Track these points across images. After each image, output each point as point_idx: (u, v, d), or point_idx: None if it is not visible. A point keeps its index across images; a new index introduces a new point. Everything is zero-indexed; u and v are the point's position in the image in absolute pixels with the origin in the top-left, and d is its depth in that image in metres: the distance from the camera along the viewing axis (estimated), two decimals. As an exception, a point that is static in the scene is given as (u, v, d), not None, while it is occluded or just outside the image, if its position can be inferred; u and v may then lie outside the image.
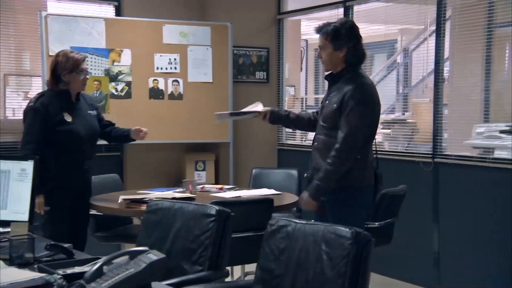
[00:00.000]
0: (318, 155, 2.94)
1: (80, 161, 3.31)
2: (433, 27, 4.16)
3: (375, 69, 5.23)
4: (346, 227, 1.88)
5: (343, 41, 2.85)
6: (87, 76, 3.32)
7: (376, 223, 3.22)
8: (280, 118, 3.22)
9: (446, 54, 4.14)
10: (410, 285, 4.29)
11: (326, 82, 3.05)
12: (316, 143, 2.96)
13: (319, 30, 2.93)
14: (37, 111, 3.20)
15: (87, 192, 3.45)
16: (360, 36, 2.93)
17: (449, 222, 4.10)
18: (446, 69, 4.17)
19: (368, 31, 4.90)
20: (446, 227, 4.13)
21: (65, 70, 3.21)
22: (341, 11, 4.78)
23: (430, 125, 4.21)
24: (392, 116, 4.90)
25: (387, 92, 5.16)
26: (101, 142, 4.75)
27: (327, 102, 2.92)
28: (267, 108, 3.20)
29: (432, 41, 4.19)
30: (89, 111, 3.40)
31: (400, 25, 4.98)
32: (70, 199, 3.30)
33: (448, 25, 4.12)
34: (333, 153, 2.81)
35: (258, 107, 3.26)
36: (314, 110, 3.27)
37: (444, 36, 4.11)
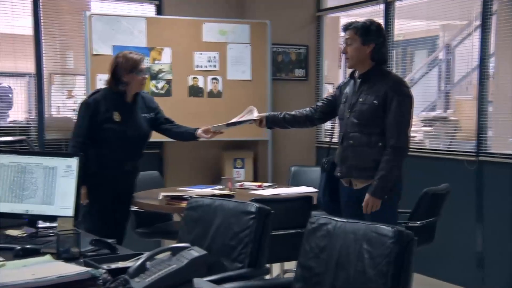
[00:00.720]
0: (355, 153, 2.96)
1: (121, 161, 3.34)
2: (478, 22, 4.06)
3: (416, 66, 5.14)
4: (388, 226, 1.86)
5: (372, 36, 2.94)
6: (146, 76, 3.38)
7: (418, 222, 3.17)
8: (277, 122, 3.32)
9: (491, 50, 4.03)
10: (452, 285, 4.21)
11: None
12: (351, 141, 2.98)
13: (348, 26, 3.01)
14: (88, 106, 3.29)
15: (128, 192, 3.46)
16: (386, 37, 3.03)
17: (494, 222, 4.00)
18: (491, 65, 4.07)
19: (408, 27, 4.83)
20: (490, 227, 4.03)
21: (125, 70, 3.27)
22: (382, 7, 4.72)
23: (474, 123, 4.11)
24: (433, 114, 4.81)
25: (428, 89, 5.06)
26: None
27: (361, 100, 2.95)
28: (262, 114, 3.33)
29: (476, 37, 4.09)
30: (143, 114, 3.41)
31: (443, 21, 4.88)
32: (109, 197, 3.34)
33: (493, 20, 4.01)
34: (390, 149, 2.87)
35: (253, 113, 3.35)
36: (312, 106, 3.31)
37: (489, 31, 4.00)
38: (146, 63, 4.69)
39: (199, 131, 3.53)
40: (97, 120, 3.26)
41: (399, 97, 2.89)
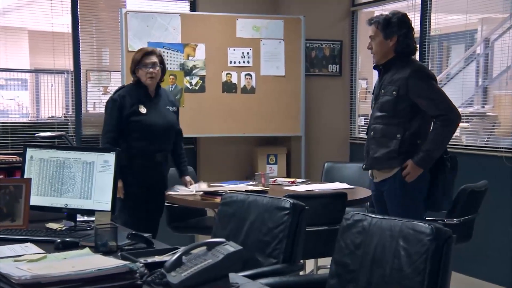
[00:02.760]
0: (376, 144, 2.98)
1: (152, 152, 3.39)
2: (519, 15, 3.95)
3: (452, 61, 5.04)
4: (425, 223, 1.83)
5: (394, 29, 2.93)
6: (151, 69, 3.36)
7: (455, 219, 3.13)
8: None
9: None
10: (490, 284, 4.13)
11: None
12: (372, 133, 3.00)
13: (370, 21, 3.02)
14: (115, 102, 3.36)
15: (161, 184, 3.50)
16: (412, 28, 3.00)
17: (533, 220, 3.90)
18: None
19: (445, 21, 4.73)
20: (529, 226, 3.93)
21: (134, 66, 3.40)
22: (418, 1, 4.64)
23: (513, 119, 4.01)
24: (470, 109, 4.71)
25: (465, 84, 4.96)
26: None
27: (383, 92, 2.96)
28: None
29: (516, 30, 3.98)
30: (167, 107, 3.49)
31: (482, 14, 4.77)
32: (143, 189, 3.39)
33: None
34: (438, 123, 2.87)
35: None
36: None
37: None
38: (179, 60, 4.78)
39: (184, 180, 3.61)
40: (124, 114, 3.34)
41: (421, 79, 2.89)
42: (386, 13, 3.03)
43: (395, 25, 2.94)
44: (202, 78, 4.87)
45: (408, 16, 3.04)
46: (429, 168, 2.92)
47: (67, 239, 2.16)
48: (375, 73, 6.00)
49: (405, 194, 2.92)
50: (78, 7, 4.68)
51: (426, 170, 2.89)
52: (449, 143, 3.00)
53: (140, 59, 3.36)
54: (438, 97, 2.89)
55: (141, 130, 3.35)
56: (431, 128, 2.91)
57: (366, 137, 3.15)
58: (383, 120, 2.95)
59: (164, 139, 3.45)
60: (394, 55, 2.96)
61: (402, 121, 2.90)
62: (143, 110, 3.37)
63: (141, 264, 1.74)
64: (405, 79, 2.87)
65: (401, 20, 2.96)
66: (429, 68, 4.66)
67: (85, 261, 1.73)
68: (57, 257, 1.85)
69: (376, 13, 5.61)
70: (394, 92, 2.89)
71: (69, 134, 4.63)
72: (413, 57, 3.04)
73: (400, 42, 2.94)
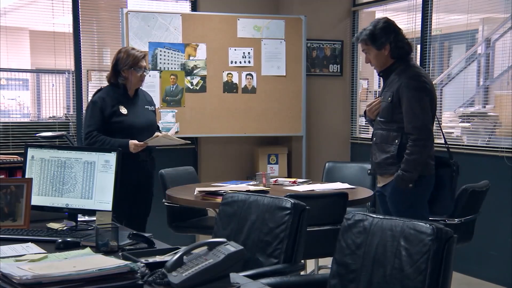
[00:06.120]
0: (377, 149, 3.01)
1: (135, 152, 3.34)
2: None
3: (453, 61, 5.03)
4: (426, 223, 1.83)
5: (382, 39, 2.95)
6: (145, 73, 3.43)
7: (456, 219, 3.14)
8: None
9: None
10: (491, 284, 4.13)
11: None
12: (375, 139, 3.04)
13: (357, 39, 3.06)
14: (95, 104, 3.35)
15: (147, 184, 3.46)
16: (399, 28, 3.01)
17: (534, 220, 3.90)
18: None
19: (447, 21, 4.73)
20: (530, 226, 3.93)
21: (125, 66, 3.36)
22: (419, 1, 4.63)
23: (514, 119, 4.01)
24: (471, 109, 4.71)
25: (466, 84, 4.96)
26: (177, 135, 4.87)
27: (382, 97, 3.00)
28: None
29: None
30: (146, 106, 3.50)
31: (483, 14, 4.77)
32: (128, 188, 3.30)
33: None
34: (410, 143, 2.88)
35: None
36: None
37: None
38: (180, 59, 4.78)
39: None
40: (105, 115, 3.33)
41: (408, 91, 2.89)
42: (367, 26, 3.02)
43: (382, 35, 2.95)
44: (203, 78, 4.87)
45: (390, 19, 3.04)
46: (435, 172, 2.95)
47: (68, 239, 2.16)
48: (376, 74, 6.00)
49: (406, 198, 2.93)
50: (79, 7, 4.68)
51: (406, 188, 2.89)
52: (451, 143, 3.01)
53: (137, 62, 3.36)
54: (414, 112, 2.87)
55: (123, 130, 3.34)
56: (407, 147, 2.89)
57: (371, 141, 3.18)
58: (382, 126, 2.99)
59: (146, 138, 3.40)
60: (393, 60, 2.98)
61: (400, 126, 2.92)
62: (123, 110, 3.37)
63: (142, 264, 1.74)
64: (399, 85, 2.91)
65: (385, 27, 2.97)
66: (430, 68, 4.67)
67: (86, 261, 1.73)
68: (58, 257, 1.86)
69: (377, 13, 5.63)
70: (389, 98, 2.93)
71: (70, 134, 4.63)
72: (411, 57, 3.03)
73: (393, 47, 2.95)
